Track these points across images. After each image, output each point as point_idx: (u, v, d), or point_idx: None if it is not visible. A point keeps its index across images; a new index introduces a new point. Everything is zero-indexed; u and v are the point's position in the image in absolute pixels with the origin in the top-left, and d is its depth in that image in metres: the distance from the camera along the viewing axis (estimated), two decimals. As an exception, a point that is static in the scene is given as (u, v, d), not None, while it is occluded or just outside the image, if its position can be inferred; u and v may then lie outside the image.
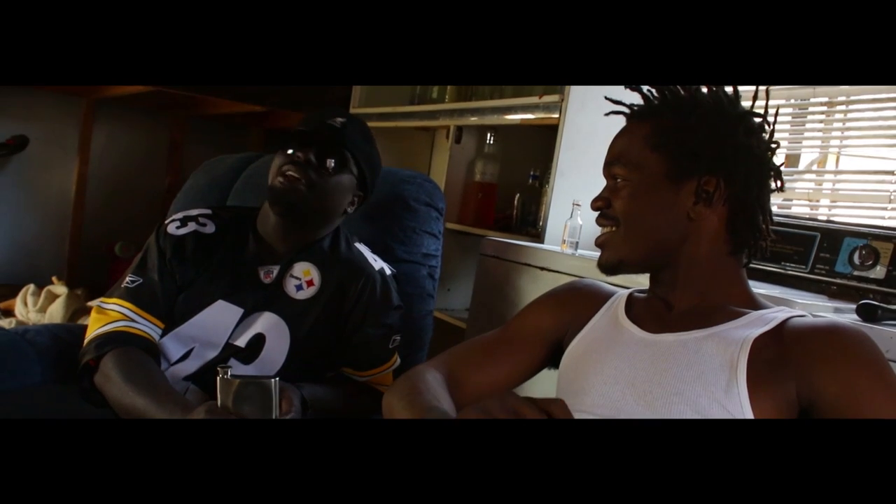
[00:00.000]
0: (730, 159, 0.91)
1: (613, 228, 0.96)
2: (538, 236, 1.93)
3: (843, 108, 1.85)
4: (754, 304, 0.94)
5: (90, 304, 2.47)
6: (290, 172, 1.25)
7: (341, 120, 1.30)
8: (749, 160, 0.92)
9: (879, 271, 1.52)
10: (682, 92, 0.95)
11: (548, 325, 1.05)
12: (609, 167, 0.98)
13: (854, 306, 1.16)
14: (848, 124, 1.86)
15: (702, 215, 0.93)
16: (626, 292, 1.04)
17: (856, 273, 1.54)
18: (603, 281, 1.12)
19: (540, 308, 1.09)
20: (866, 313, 1.13)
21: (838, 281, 1.55)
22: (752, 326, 0.88)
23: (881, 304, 1.13)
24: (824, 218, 1.80)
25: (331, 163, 1.28)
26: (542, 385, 1.13)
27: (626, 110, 1.00)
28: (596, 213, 1.00)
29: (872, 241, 1.53)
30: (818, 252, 1.60)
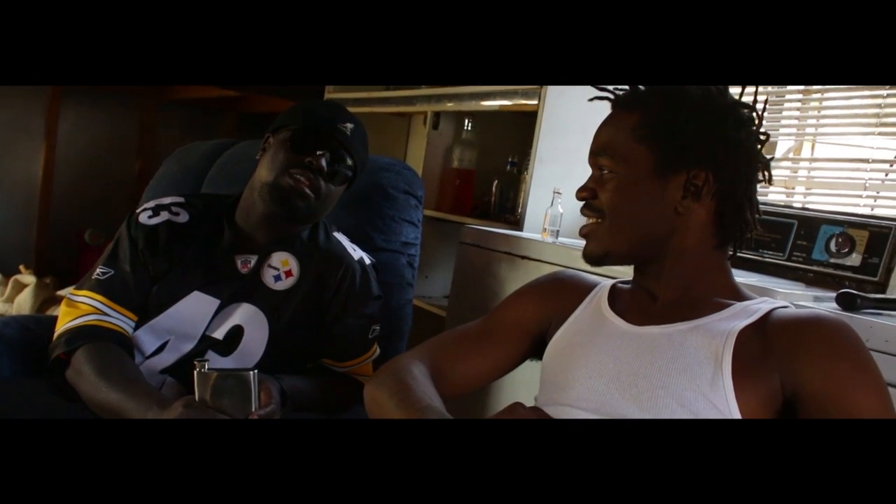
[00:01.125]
0: (719, 153, 0.90)
1: (598, 220, 0.95)
2: (517, 223, 1.92)
3: (818, 95, 1.86)
4: (738, 295, 0.94)
5: (59, 293, 2.42)
6: (301, 178, 1.22)
7: (351, 126, 1.28)
8: (738, 153, 0.91)
9: (855, 258, 1.53)
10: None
11: (531, 316, 1.04)
12: (594, 157, 0.96)
13: (833, 294, 1.17)
14: (823, 112, 1.88)
15: (690, 209, 0.92)
16: (609, 283, 1.04)
17: (832, 260, 1.56)
18: (586, 271, 1.11)
19: (522, 299, 1.08)
20: (845, 302, 1.14)
21: (815, 268, 1.56)
22: (736, 318, 0.88)
23: (860, 293, 1.14)
24: (800, 205, 1.81)
25: (339, 171, 1.27)
26: (525, 376, 1.13)
27: (612, 97, 0.98)
28: (577, 202, 0.99)
29: (848, 229, 1.54)
30: (795, 239, 1.61)
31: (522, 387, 1.38)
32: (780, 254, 1.62)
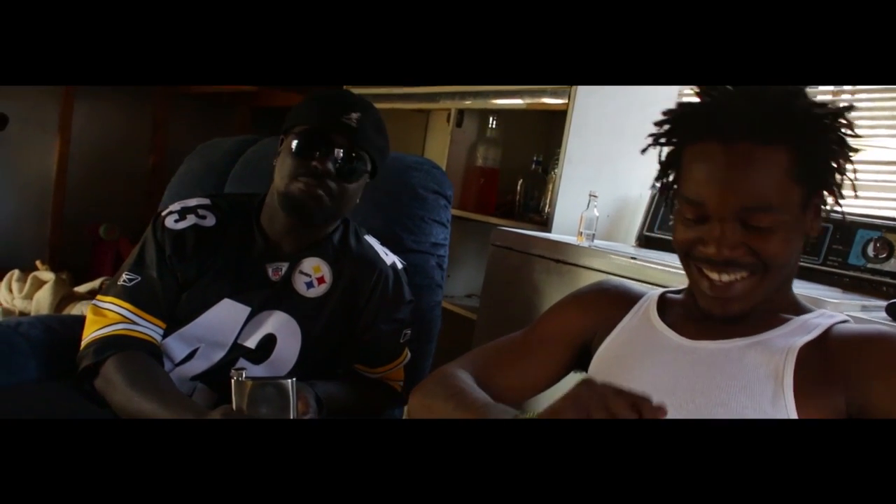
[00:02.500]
0: (842, 172, 0.85)
1: (745, 275, 0.85)
2: (544, 224, 1.90)
3: (848, 97, 1.83)
4: (796, 307, 0.91)
5: (77, 289, 2.40)
6: (311, 185, 1.17)
7: (357, 116, 1.20)
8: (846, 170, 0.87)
9: (894, 264, 1.50)
10: (810, 100, 0.84)
11: (575, 327, 1.01)
12: (747, 214, 0.82)
13: (884, 303, 1.15)
14: (854, 113, 1.84)
15: (814, 230, 0.87)
16: (657, 293, 1.00)
17: (869, 265, 1.53)
18: (630, 279, 1.08)
19: (566, 310, 1.05)
20: (897, 313, 1.11)
21: (851, 273, 1.53)
22: (796, 334, 0.85)
23: (912, 304, 1.11)
24: (827, 208, 1.78)
25: (350, 168, 1.21)
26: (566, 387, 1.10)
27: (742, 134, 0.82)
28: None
29: (886, 234, 1.51)
30: (831, 244, 1.58)
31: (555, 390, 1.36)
32: (815, 258, 1.59)
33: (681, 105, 0.90)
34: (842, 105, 0.84)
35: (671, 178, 0.91)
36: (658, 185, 0.94)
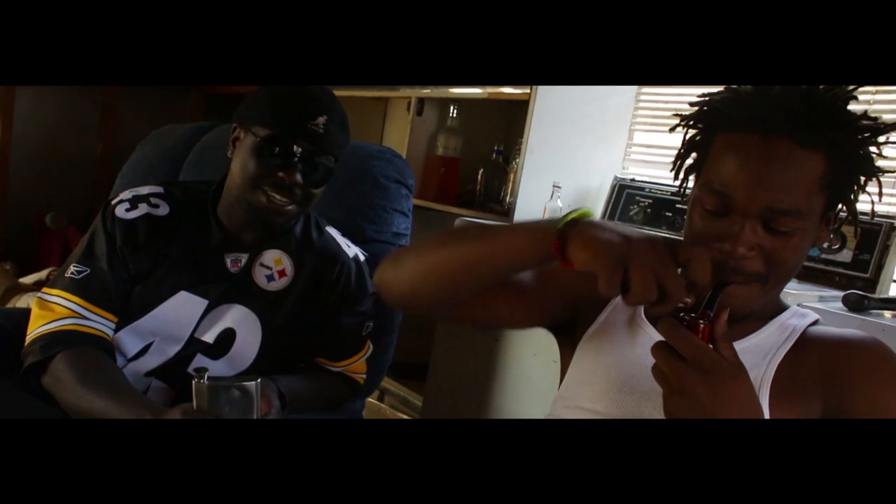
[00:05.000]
0: (866, 182, 0.82)
1: (754, 282, 0.80)
2: (504, 213, 1.89)
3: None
4: (774, 306, 0.89)
5: (22, 280, 2.31)
6: (276, 197, 1.12)
7: (323, 119, 1.13)
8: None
9: (846, 255, 1.54)
10: (848, 104, 0.77)
11: (575, 284, 0.93)
12: (772, 215, 0.77)
13: (839, 294, 1.17)
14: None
15: (822, 240, 0.83)
16: None
17: (823, 256, 1.56)
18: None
19: (571, 273, 0.96)
20: (853, 303, 1.14)
21: (806, 264, 1.57)
22: (774, 340, 0.85)
23: (867, 294, 1.14)
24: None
25: (318, 172, 1.15)
26: (525, 373, 1.10)
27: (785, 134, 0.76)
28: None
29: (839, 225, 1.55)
30: (786, 234, 1.61)
31: (520, 383, 1.36)
32: (771, 248, 1.62)
33: (725, 90, 0.84)
34: (890, 122, 0.80)
35: (692, 161, 0.88)
36: (678, 165, 0.89)
